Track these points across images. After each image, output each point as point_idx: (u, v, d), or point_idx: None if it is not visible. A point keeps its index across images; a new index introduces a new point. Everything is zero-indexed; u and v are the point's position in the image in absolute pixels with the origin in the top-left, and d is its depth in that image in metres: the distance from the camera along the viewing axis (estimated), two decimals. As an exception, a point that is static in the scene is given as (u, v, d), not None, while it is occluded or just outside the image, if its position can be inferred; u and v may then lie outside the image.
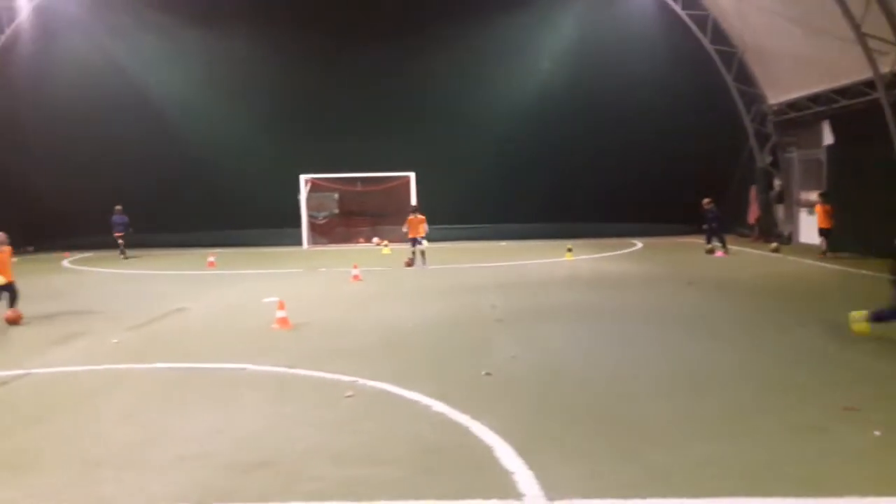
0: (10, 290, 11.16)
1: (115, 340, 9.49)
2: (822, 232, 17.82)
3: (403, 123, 25.19)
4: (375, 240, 25.82)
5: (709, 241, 19.62)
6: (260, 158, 25.35)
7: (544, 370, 7.45)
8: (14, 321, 10.80)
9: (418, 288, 14.22)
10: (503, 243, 24.66)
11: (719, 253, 19.10)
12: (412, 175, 24.99)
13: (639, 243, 23.07)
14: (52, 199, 24.78)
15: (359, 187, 26.26)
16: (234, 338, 9.61)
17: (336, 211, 27.35)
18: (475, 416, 5.82)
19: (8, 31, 24.42)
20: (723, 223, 19.79)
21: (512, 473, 4.71)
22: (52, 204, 24.78)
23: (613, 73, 24.62)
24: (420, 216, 18.03)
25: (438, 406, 6.19)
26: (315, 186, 26.09)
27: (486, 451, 5.15)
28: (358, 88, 25.40)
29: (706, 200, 19.60)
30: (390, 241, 24.66)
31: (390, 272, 17.15)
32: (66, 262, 21.71)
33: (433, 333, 9.57)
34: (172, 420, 6.02)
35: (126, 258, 22.20)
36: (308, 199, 25.90)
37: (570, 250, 19.38)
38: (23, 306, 10.99)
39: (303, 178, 25.50)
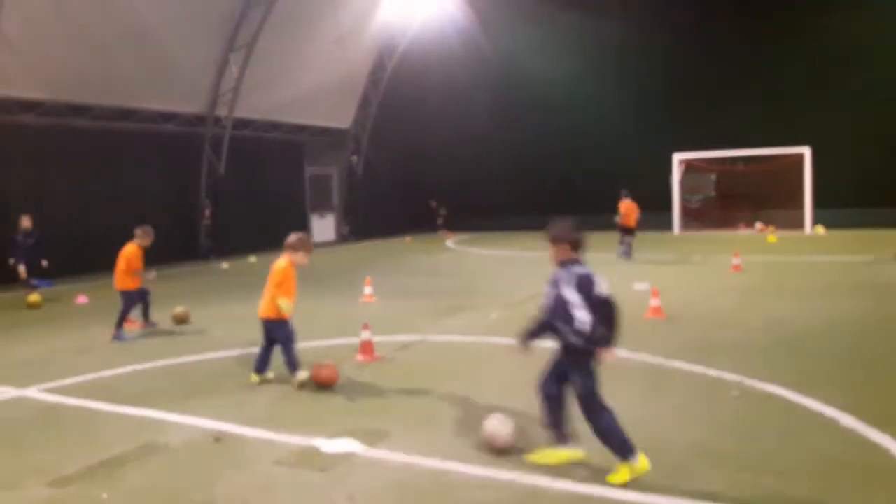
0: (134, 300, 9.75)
1: (494, 316, 10.38)
2: None
3: (796, 92, 22.44)
4: (758, 225, 23.71)
5: None
6: (631, 140, 24.67)
7: None
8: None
9: (812, 282, 12.62)
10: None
11: None
12: (807, 151, 22.20)
13: None
14: (445, 188, 28.73)
15: (740, 167, 24.25)
16: (608, 322, 9.72)
17: (712, 193, 25.80)
18: (899, 438, 4.92)
19: (407, 39, 27.97)
20: None
21: (954, 515, 3.86)
22: (440, 193, 28.88)
23: None
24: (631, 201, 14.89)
25: (846, 419, 5.39)
26: (689, 167, 24.98)
27: (915, 481, 4.31)
28: (741, 56, 23.41)
29: None
30: (777, 227, 22.41)
31: (777, 263, 15.55)
32: (449, 243, 24.69)
33: (837, 336, 8.37)
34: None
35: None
36: (681, 181, 24.90)
37: None
38: (417, 281, 11.29)
39: (676, 158, 24.55)
